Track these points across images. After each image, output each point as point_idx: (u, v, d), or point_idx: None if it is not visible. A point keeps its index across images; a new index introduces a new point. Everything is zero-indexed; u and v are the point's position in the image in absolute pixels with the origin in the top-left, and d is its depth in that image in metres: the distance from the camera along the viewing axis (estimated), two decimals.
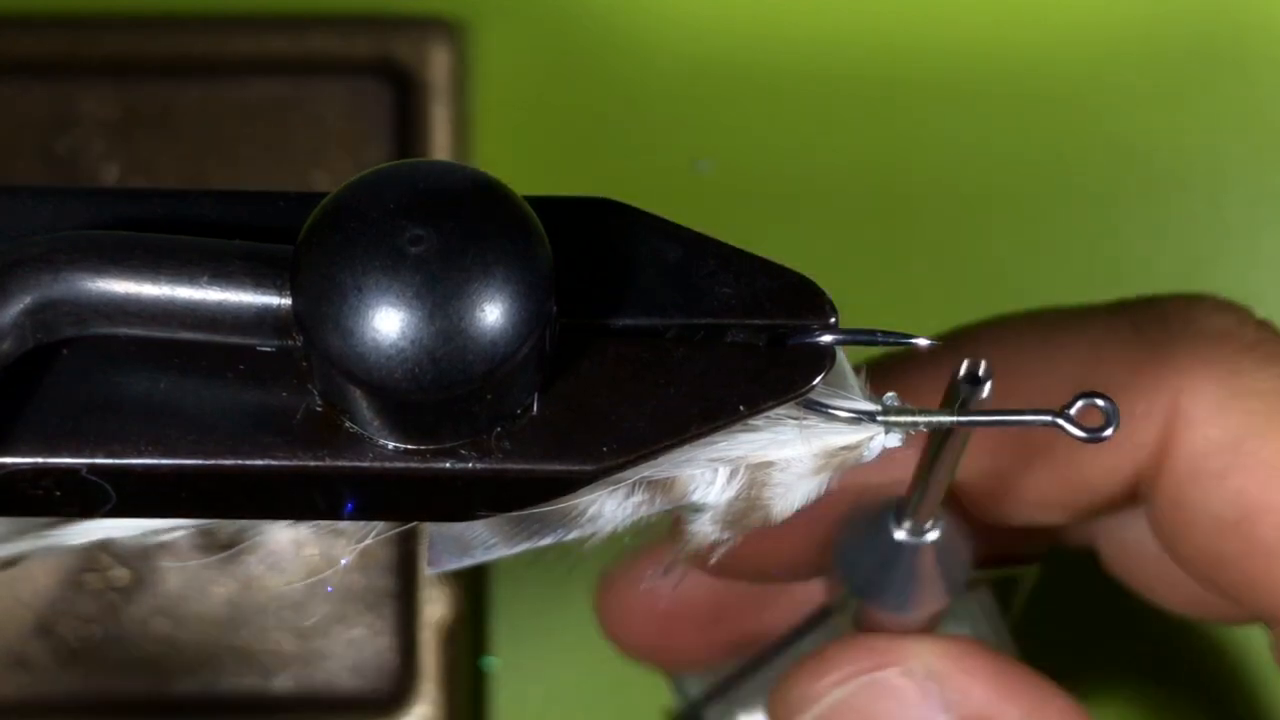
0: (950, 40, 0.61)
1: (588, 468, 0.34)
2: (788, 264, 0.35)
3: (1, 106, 0.58)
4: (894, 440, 0.36)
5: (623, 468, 0.34)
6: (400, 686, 0.56)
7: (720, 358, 0.35)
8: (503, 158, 0.60)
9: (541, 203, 0.34)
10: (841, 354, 0.36)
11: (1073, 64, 0.61)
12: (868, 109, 0.61)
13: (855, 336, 0.35)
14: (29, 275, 0.33)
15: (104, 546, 0.49)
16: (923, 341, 0.36)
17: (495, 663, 0.59)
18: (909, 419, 0.36)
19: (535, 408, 0.34)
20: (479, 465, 0.34)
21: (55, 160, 0.58)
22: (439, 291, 0.32)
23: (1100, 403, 0.35)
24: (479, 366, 0.32)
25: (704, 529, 0.38)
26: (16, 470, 0.34)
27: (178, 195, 0.35)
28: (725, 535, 0.37)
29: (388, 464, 0.34)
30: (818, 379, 0.35)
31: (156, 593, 0.56)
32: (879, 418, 0.36)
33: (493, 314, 0.32)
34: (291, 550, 0.56)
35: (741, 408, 0.34)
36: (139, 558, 0.56)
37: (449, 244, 0.32)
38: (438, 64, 0.58)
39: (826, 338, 0.35)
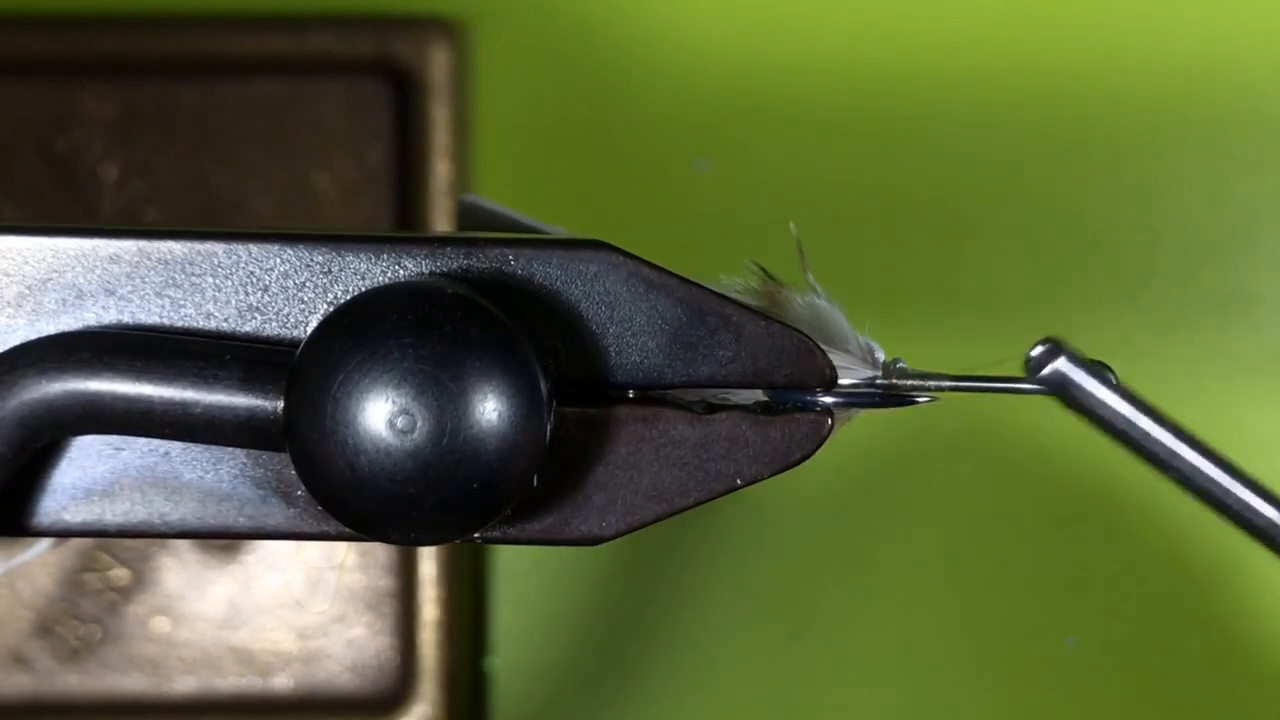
0: (950, 39, 0.61)
1: (585, 540, 0.34)
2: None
3: (1, 106, 0.58)
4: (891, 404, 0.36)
5: (618, 537, 0.35)
6: (400, 686, 0.56)
7: (718, 426, 0.35)
8: (503, 158, 0.60)
9: (534, 251, 0.34)
10: (840, 315, 0.36)
11: (1073, 64, 0.61)
12: (868, 106, 0.61)
13: (855, 397, 0.35)
14: (16, 388, 0.33)
15: (103, 546, 0.49)
16: (923, 399, 0.36)
17: (495, 663, 0.59)
18: (906, 382, 0.36)
19: (535, 482, 0.34)
20: (479, 538, 0.34)
21: (55, 160, 0.58)
22: (431, 473, 0.32)
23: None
24: (473, 525, 0.33)
25: None
26: None
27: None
28: None
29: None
30: (816, 449, 0.35)
31: (156, 593, 0.56)
32: (878, 381, 0.36)
33: (487, 479, 0.32)
34: (291, 550, 0.56)
35: (738, 481, 0.35)
36: (139, 558, 0.56)
37: (440, 423, 0.32)
38: (438, 64, 0.58)
39: (826, 399, 0.35)
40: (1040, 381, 0.34)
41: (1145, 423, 0.34)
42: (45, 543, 0.39)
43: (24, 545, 0.40)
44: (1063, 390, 0.34)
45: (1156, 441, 0.34)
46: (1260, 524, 0.35)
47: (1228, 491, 0.35)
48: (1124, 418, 0.34)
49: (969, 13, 0.61)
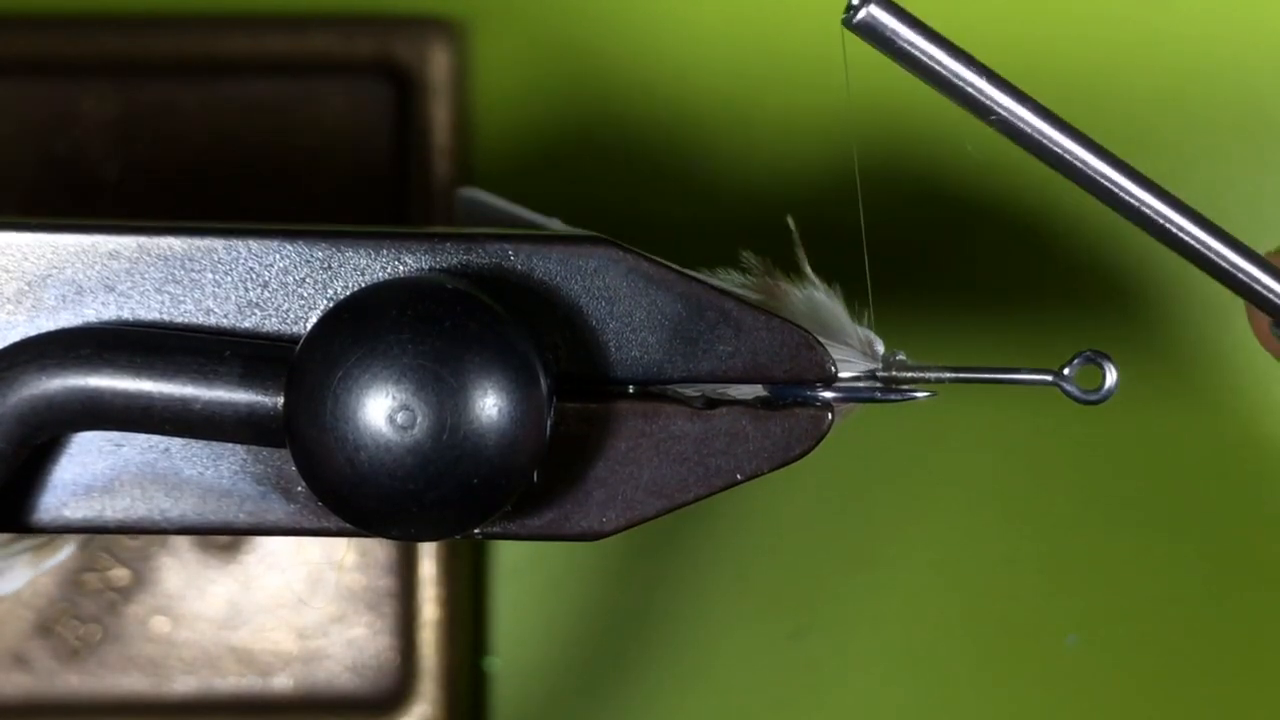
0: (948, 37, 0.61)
1: (586, 536, 0.34)
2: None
3: (1, 106, 0.58)
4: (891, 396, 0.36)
5: (618, 532, 0.35)
6: (400, 686, 0.56)
7: (718, 421, 0.35)
8: (503, 158, 0.60)
9: (534, 246, 0.34)
10: (840, 308, 0.36)
11: (1073, 66, 0.61)
12: (866, 105, 0.61)
13: (854, 393, 0.35)
14: (16, 385, 0.33)
15: (103, 546, 0.49)
16: (921, 394, 0.36)
17: (495, 663, 0.59)
18: (906, 375, 0.36)
19: (535, 477, 0.34)
20: (480, 534, 0.34)
21: (55, 160, 0.58)
22: (431, 468, 0.32)
23: (1101, 362, 0.35)
24: (474, 521, 0.33)
25: None
26: None
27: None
28: None
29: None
30: (816, 444, 0.35)
31: (156, 593, 0.56)
32: (878, 374, 0.36)
33: (486, 477, 0.32)
34: (291, 550, 0.56)
35: (738, 476, 0.35)
36: (139, 557, 0.56)
37: (440, 419, 0.32)
38: (438, 64, 0.58)
39: (826, 394, 0.35)
40: (855, 28, 0.34)
41: (959, 67, 0.34)
42: (70, 547, 0.40)
43: (49, 550, 0.40)
44: (876, 35, 0.34)
45: (971, 83, 0.34)
46: (1077, 165, 0.35)
47: (1040, 130, 0.35)
48: (940, 61, 0.34)
49: (967, 12, 0.61)
